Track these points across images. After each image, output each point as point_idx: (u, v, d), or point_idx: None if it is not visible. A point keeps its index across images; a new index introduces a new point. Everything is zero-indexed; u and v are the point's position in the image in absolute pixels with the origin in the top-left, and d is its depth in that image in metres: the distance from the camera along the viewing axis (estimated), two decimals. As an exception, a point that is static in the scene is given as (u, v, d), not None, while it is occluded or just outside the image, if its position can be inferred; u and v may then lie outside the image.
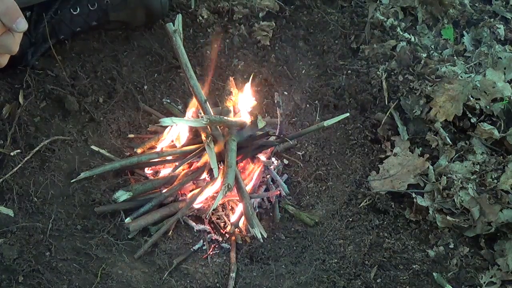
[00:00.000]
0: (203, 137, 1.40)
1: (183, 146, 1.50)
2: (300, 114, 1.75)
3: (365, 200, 1.51)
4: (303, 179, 1.63)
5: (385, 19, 1.85)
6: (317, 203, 1.57)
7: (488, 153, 1.54)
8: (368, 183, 1.55)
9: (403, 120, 1.64)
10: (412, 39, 1.82)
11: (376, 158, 1.62)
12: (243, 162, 1.53)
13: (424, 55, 1.73)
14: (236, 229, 1.42)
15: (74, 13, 1.58)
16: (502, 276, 1.30)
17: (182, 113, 1.64)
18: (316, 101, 1.75)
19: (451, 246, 1.39)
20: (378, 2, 1.92)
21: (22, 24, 0.83)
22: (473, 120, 1.60)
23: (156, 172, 1.52)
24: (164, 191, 1.44)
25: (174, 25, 1.37)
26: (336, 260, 1.36)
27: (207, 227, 1.43)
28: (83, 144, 1.54)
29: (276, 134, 1.49)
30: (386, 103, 1.66)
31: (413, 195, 1.47)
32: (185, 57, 1.38)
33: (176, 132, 1.53)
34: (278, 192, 1.54)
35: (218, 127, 1.44)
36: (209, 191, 1.44)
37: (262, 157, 1.57)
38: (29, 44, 1.53)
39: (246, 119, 1.48)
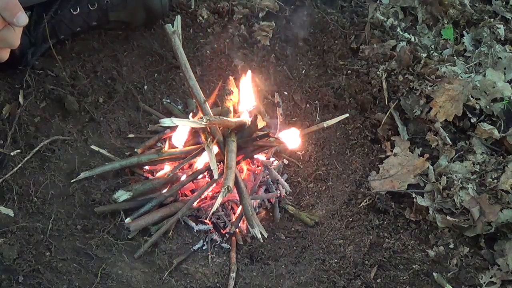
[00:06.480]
0: (203, 138, 1.40)
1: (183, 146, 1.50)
2: (300, 114, 1.75)
3: (365, 200, 1.51)
4: (303, 179, 1.63)
5: (385, 19, 1.85)
6: (317, 203, 1.57)
7: (488, 153, 1.54)
8: (368, 183, 1.55)
9: (403, 120, 1.64)
10: (412, 39, 1.82)
11: (376, 158, 1.62)
12: (242, 162, 1.53)
13: (424, 55, 1.73)
14: (236, 229, 1.43)
15: (74, 13, 1.58)
16: (502, 276, 1.30)
17: (182, 113, 1.64)
18: (316, 101, 1.75)
19: (451, 246, 1.39)
20: (378, 2, 1.92)
21: (23, 19, 0.84)
22: (473, 120, 1.60)
23: (156, 172, 1.52)
24: (164, 191, 1.44)
25: (173, 26, 1.37)
26: (336, 260, 1.36)
27: (210, 226, 1.43)
28: (83, 144, 1.54)
29: (276, 135, 1.49)
30: (386, 103, 1.66)
31: (413, 195, 1.47)
32: (184, 58, 1.38)
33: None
34: (279, 194, 1.54)
35: (217, 127, 1.44)
36: (209, 191, 1.44)
37: (262, 157, 1.57)
38: (29, 44, 1.53)
39: (246, 119, 1.48)
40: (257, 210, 1.52)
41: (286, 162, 1.65)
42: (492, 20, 1.93)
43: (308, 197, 1.59)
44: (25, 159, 1.40)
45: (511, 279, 1.30)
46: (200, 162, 1.48)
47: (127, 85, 1.68)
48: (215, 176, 1.30)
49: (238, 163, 1.48)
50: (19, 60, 1.52)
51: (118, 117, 1.63)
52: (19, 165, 1.38)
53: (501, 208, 1.38)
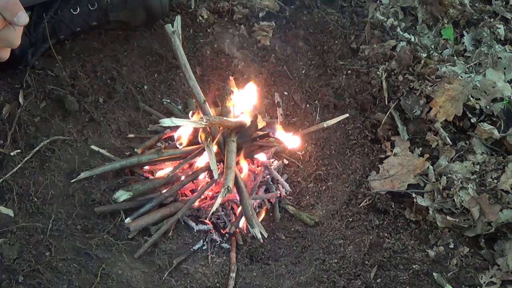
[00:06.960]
0: (203, 138, 1.40)
1: (183, 146, 1.50)
2: (300, 114, 1.75)
3: (365, 200, 1.51)
4: (303, 179, 1.63)
5: (385, 19, 1.85)
6: (317, 203, 1.57)
7: (488, 153, 1.54)
8: (368, 183, 1.55)
9: (403, 120, 1.64)
10: (412, 39, 1.82)
11: (376, 158, 1.62)
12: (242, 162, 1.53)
13: (424, 55, 1.73)
14: (236, 229, 1.42)
15: (74, 13, 1.58)
16: (502, 276, 1.30)
17: (182, 113, 1.64)
18: (316, 101, 1.75)
19: (451, 246, 1.39)
20: (378, 2, 1.92)
21: (23, 18, 0.84)
22: (473, 120, 1.60)
23: (156, 172, 1.52)
24: (164, 191, 1.44)
25: (173, 26, 1.37)
26: (336, 260, 1.36)
27: (210, 226, 1.43)
28: (83, 144, 1.54)
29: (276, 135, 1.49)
30: (386, 103, 1.66)
31: (413, 195, 1.47)
32: (184, 58, 1.38)
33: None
34: (279, 194, 1.54)
35: (217, 127, 1.44)
36: (209, 191, 1.44)
37: (262, 157, 1.57)
38: (29, 44, 1.53)
39: (246, 119, 1.48)
40: (257, 210, 1.52)
41: (286, 162, 1.65)
42: (492, 20, 1.93)
43: (308, 197, 1.59)
44: (25, 159, 1.40)
45: (511, 279, 1.30)
46: (200, 162, 1.48)
47: (127, 85, 1.68)
48: (215, 176, 1.30)
49: (238, 163, 1.48)
50: (19, 60, 1.52)
51: (118, 117, 1.63)
52: (19, 165, 1.38)
53: (501, 208, 1.38)
